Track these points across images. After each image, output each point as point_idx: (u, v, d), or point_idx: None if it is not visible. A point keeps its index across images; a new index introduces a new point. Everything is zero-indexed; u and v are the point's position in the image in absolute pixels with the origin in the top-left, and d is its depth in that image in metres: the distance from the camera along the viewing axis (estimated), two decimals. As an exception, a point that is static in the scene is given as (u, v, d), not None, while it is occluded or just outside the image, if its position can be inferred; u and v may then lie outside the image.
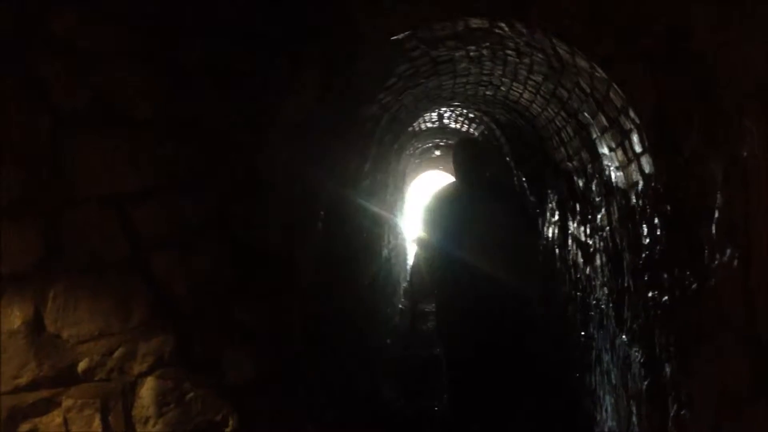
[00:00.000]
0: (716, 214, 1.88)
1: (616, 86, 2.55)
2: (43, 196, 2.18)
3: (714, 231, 1.90)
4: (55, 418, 2.28)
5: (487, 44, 3.18)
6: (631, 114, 2.61)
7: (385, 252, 6.77)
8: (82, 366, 2.28)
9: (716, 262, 1.89)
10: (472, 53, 3.41)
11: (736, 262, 1.70)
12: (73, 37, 2.15)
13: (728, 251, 1.77)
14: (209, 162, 2.40)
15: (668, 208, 2.46)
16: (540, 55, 3.07)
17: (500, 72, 3.95)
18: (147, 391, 2.34)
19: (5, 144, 2.12)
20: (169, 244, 2.33)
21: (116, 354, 2.31)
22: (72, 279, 2.22)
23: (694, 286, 2.20)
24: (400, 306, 8.89)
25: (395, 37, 2.77)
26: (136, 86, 2.24)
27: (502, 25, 2.76)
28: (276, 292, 2.69)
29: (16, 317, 2.19)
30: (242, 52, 2.44)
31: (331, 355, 3.62)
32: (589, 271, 4.35)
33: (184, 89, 2.32)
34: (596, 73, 2.66)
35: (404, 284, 10.11)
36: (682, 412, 2.43)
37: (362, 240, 4.87)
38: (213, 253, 2.41)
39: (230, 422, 2.42)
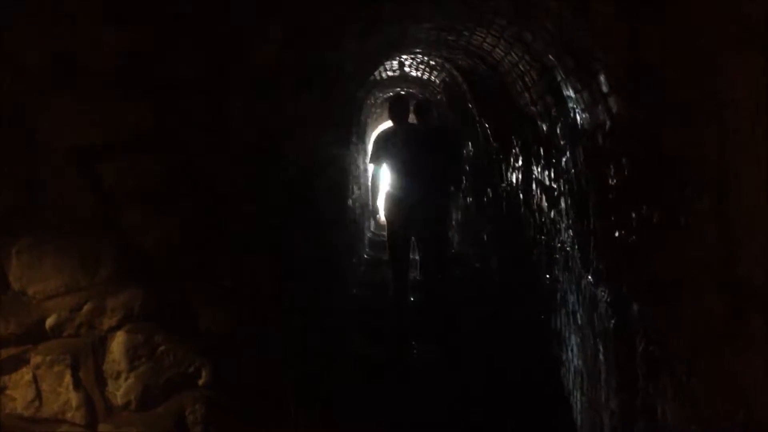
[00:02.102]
0: (690, 153, 1.89)
1: (586, 27, 2.53)
2: (6, 151, 2.10)
3: (688, 170, 1.91)
4: (24, 375, 2.26)
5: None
6: (600, 55, 2.60)
7: (349, 202, 6.76)
8: (49, 322, 2.25)
9: (690, 202, 1.91)
10: (437, -5, 3.36)
11: (711, 202, 1.72)
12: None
13: (703, 191, 1.79)
14: (177, 115, 2.33)
15: (637, 147, 2.47)
16: (507, -3, 3.04)
17: (464, 16, 3.89)
18: (117, 345, 2.31)
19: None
20: (137, 199, 2.27)
21: (84, 309, 2.27)
22: (36, 235, 2.17)
23: (663, 224, 2.23)
24: (365, 256, 8.92)
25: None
26: (99, 40, 2.15)
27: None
28: (248, 246, 2.66)
29: (-22, 275, 2.14)
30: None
31: (304, 308, 3.62)
32: (554, 215, 4.40)
33: (151, 42, 2.23)
34: (565, 14, 2.63)
35: (369, 234, 10.13)
36: (650, 348, 2.49)
37: (328, 189, 4.84)
38: (184, 208, 2.36)
39: (203, 374, 2.42)
